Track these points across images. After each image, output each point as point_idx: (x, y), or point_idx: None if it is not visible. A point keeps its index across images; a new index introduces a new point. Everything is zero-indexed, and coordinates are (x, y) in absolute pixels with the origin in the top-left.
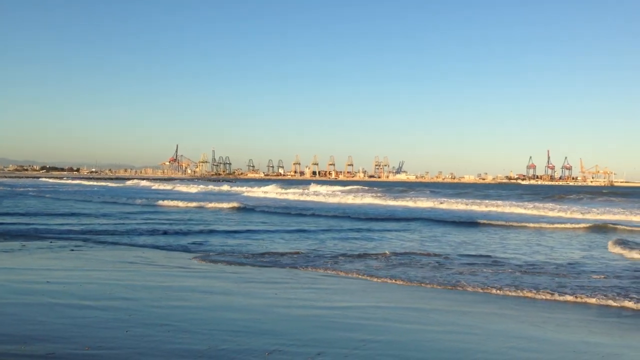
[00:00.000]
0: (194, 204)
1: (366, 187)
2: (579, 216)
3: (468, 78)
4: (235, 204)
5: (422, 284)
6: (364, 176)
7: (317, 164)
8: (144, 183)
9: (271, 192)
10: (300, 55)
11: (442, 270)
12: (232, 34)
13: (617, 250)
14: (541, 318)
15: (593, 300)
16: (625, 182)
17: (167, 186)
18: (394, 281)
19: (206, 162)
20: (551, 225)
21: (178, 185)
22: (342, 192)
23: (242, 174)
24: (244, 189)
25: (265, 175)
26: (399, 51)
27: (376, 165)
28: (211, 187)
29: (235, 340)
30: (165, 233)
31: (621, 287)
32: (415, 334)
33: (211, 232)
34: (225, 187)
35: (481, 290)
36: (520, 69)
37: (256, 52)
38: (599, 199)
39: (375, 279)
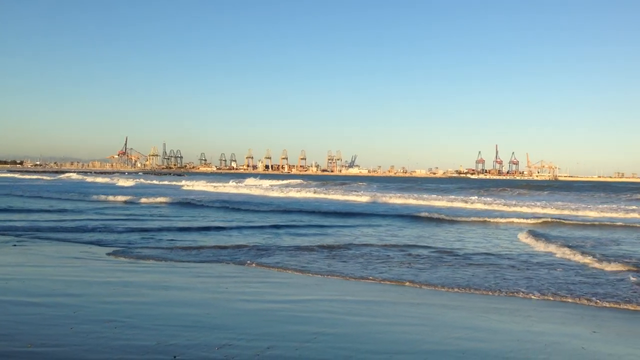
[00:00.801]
0: (125, 198)
1: (304, 182)
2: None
3: (421, 74)
4: (168, 199)
5: (367, 278)
6: (317, 170)
7: (270, 158)
8: (75, 176)
9: (207, 186)
10: (253, 48)
11: (390, 263)
12: (182, 25)
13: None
14: (488, 309)
15: (537, 294)
16: (569, 176)
17: (103, 179)
18: (347, 278)
19: (157, 155)
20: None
21: (116, 178)
22: (280, 185)
23: (194, 167)
24: (182, 183)
25: (217, 169)
26: (352, 45)
27: (329, 160)
28: (151, 181)
29: (185, 335)
30: (102, 229)
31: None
32: (366, 327)
33: (158, 227)
34: (165, 182)
35: (429, 284)
36: (470, 66)
37: (207, 45)
38: (534, 192)
39: (328, 275)
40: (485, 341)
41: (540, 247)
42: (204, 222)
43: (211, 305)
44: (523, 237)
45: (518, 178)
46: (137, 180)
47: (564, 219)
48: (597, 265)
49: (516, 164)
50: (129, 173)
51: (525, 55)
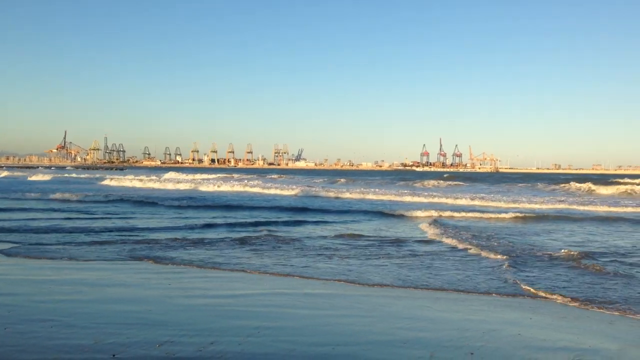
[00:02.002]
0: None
1: (235, 175)
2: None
3: (366, 68)
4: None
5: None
6: (264, 164)
7: (215, 152)
8: None
9: (134, 180)
10: (198, 42)
11: (331, 255)
12: (125, 16)
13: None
14: (430, 299)
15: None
16: (510, 168)
17: (18, 173)
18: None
19: (98, 149)
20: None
21: (34, 173)
22: (210, 179)
23: (137, 161)
24: (96, 176)
25: (162, 162)
26: (298, 40)
27: (275, 153)
28: (77, 175)
29: (125, 333)
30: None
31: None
32: (310, 319)
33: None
34: (85, 175)
35: (374, 277)
36: (415, 60)
37: (152, 38)
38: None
39: (269, 268)
40: (427, 330)
41: (438, 237)
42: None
43: (152, 302)
44: (425, 227)
45: (461, 170)
46: (57, 175)
47: (465, 210)
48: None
49: (459, 157)
50: (69, 167)
51: (468, 49)
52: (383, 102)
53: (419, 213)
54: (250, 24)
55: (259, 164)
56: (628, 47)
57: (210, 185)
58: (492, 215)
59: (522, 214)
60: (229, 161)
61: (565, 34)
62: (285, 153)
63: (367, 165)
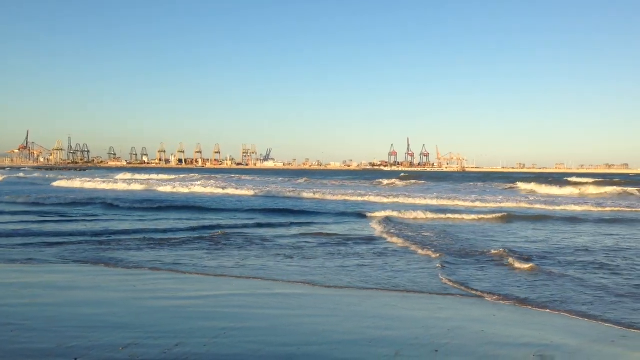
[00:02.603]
0: None
1: (207, 175)
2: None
3: (333, 68)
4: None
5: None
6: (232, 164)
7: (183, 152)
8: None
9: (85, 181)
10: (164, 41)
11: (293, 254)
12: (88, 15)
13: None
14: (397, 298)
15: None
16: (476, 167)
17: None
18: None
19: (61, 149)
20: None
21: None
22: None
23: (102, 162)
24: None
25: (128, 163)
26: (266, 38)
27: (244, 153)
28: (26, 176)
29: (88, 337)
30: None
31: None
32: (277, 319)
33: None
34: (36, 174)
35: (338, 275)
36: (383, 60)
37: (115, 37)
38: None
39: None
40: (393, 329)
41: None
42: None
43: (117, 304)
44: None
45: (429, 169)
46: (10, 175)
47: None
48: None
49: (427, 156)
50: (9, 168)
51: (435, 50)
52: (351, 102)
53: (375, 214)
54: (216, 21)
55: (227, 164)
56: (591, 45)
57: (168, 186)
58: (442, 216)
59: (461, 215)
60: (196, 161)
61: (530, 32)
62: (253, 153)
63: (335, 165)
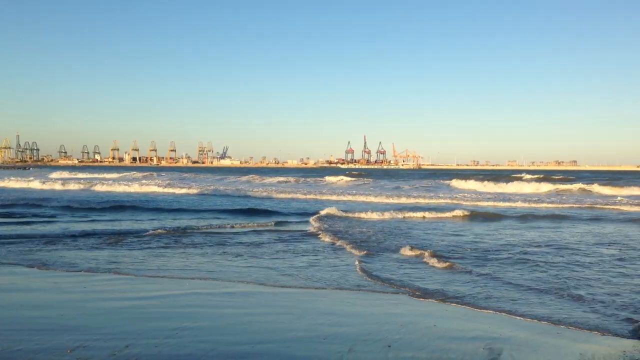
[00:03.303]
0: None
1: (153, 173)
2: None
3: (291, 65)
4: None
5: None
6: (188, 162)
7: (137, 150)
8: None
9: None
10: (119, 34)
11: (240, 252)
12: (37, 11)
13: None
14: (352, 294)
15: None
16: (431, 164)
17: None
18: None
19: (9, 147)
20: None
21: None
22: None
23: (52, 160)
24: None
25: (79, 161)
26: (224, 34)
27: (200, 151)
28: None
29: (35, 340)
30: None
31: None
32: (231, 318)
33: None
34: None
35: (295, 272)
36: (340, 58)
37: (67, 32)
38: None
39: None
40: (347, 325)
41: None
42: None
43: (65, 307)
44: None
45: (385, 167)
46: None
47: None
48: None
49: (383, 154)
50: None
51: (392, 48)
52: (309, 100)
53: (320, 211)
54: (170, 14)
55: (183, 162)
56: (542, 44)
57: (106, 185)
58: (377, 216)
59: (395, 213)
60: (151, 159)
61: (484, 31)
62: (210, 151)
63: (292, 162)
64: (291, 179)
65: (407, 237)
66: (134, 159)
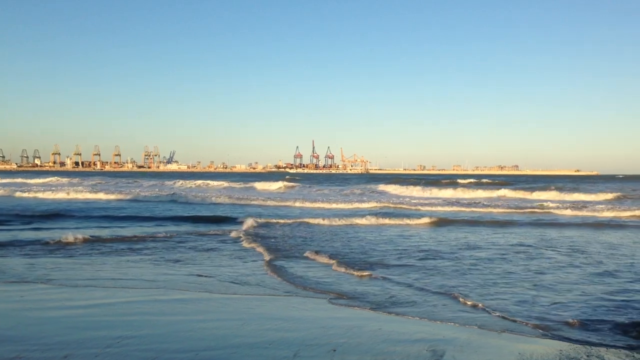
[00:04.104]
0: None
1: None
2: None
3: (238, 69)
4: None
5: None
6: (133, 166)
7: (80, 154)
8: None
9: None
10: (64, 36)
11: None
12: None
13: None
14: (297, 299)
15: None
16: (379, 169)
17: None
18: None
19: None
20: None
21: None
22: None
23: None
24: None
25: (18, 166)
26: (169, 37)
27: (146, 156)
28: None
29: None
30: None
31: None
32: (175, 326)
33: None
34: None
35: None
36: (288, 62)
37: (8, 29)
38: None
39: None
40: (292, 330)
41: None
42: None
43: (2, 317)
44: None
45: (334, 172)
46: None
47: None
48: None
49: (332, 158)
50: None
51: (340, 51)
52: (257, 104)
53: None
54: (114, 16)
55: (128, 167)
56: (487, 53)
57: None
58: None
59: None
60: (94, 164)
61: (433, 37)
62: (156, 155)
63: (241, 167)
64: (224, 183)
65: (331, 241)
66: (77, 163)
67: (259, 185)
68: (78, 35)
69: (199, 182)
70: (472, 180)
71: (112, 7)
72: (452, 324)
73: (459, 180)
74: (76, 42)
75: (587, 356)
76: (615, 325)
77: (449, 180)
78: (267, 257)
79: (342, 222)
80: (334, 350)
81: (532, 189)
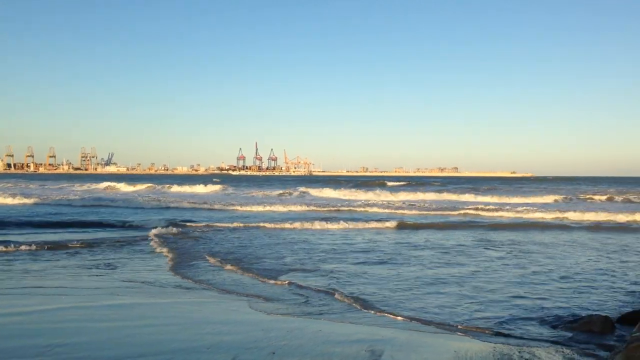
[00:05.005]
0: None
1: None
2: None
3: (179, 69)
4: None
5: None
6: (69, 168)
7: (12, 156)
8: None
9: None
10: None
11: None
12: None
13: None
14: (236, 302)
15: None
16: (322, 171)
17: None
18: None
19: None
20: None
21: None
22: None
23: None
24: None
25: None
26: (109, 37)
27: (82, 157)
28: None
29: None
30: None
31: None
32: (112, 332)
33: None
34: None
35: (181, 280)
36: (229, 63)
37: None
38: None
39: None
40: (233, 334)
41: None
42: None
43: None
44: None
45: (276, 174)
46: None
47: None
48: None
49: (275, 160)
50: None
51: (283, 52)
52: (199, 105)
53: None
54: (52, 13)
55: (64, 169)
56: (427, 58)
57: None
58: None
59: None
60: (27, 166)
61: (371, 41)
62: (93, 157)
63: (182, 169)
64: (143, 186)
65: (242, 246)
66: (9, 165)
67: (183, 189)
68: (5, 31)
69: (105, 184)
70: (402, 182)
71: (31, 3)
72: (391, 325)
73: (388, 183)
74: (4, 38)
75: (519, 352)
76: (542, 321)
77: (378, 182)
78: (171, 263)
79: (255, 224)
80: (274, 353)
81: (455, 191)
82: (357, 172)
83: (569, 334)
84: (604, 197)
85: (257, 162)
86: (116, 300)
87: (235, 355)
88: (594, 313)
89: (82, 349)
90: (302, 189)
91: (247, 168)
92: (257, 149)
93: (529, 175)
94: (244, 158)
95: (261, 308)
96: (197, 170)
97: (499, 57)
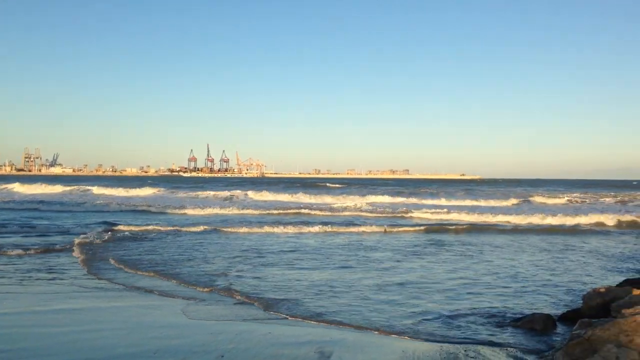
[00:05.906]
0: None
1: None
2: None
3: (128, 67)
4: None
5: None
6: (11, 170)
7: None
8: None
9: None
10: None
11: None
12: None
13: None
14: (184, 306)
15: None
16: (275, 173)
17: None
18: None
19: None
20: None
21: None
22: None
23: None
24: None
25: None
26: (56, 33)
27: (26, 158)
28: None
29: None
30: None
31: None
32: (56, 337)
33: None
34: None
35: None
36: (179, 64)
37: None
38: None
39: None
40: (181, 337)
41: None
42: None
43: None
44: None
45: (229, 175)
46: None
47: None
48: None
49: (227, 162)
50: None
51: (235, 56)
52: (150, 105)
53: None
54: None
55: (6, 171)
56: (379, 59)
57: None
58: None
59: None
60: None
61: (325, 44)
62: (37, 158)
63: (132, 171)
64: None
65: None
66: None
67: (117, 192)
68: None
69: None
70: (343, 184)
71: None
72: (340, 325)
73: (329, 185)
74: None
75: (465, 351)
76: (488, 320)
77: (323, 184)
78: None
79: (186, 229)
80: (222, 357)
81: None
82: (309, 173)
83: (514, 332)
84: (554, 200)
85: (209, 164)
86: (61, 305)
87: (183, 359)
88: (537, 312)
89: (27, 355)
90: (243, 192)
91: (198, 170)
92: (208, 151)
93: (477, 177)
94: (195, 160)
95: (204, 311)
96: (147, 172)
97: (452, 59)
